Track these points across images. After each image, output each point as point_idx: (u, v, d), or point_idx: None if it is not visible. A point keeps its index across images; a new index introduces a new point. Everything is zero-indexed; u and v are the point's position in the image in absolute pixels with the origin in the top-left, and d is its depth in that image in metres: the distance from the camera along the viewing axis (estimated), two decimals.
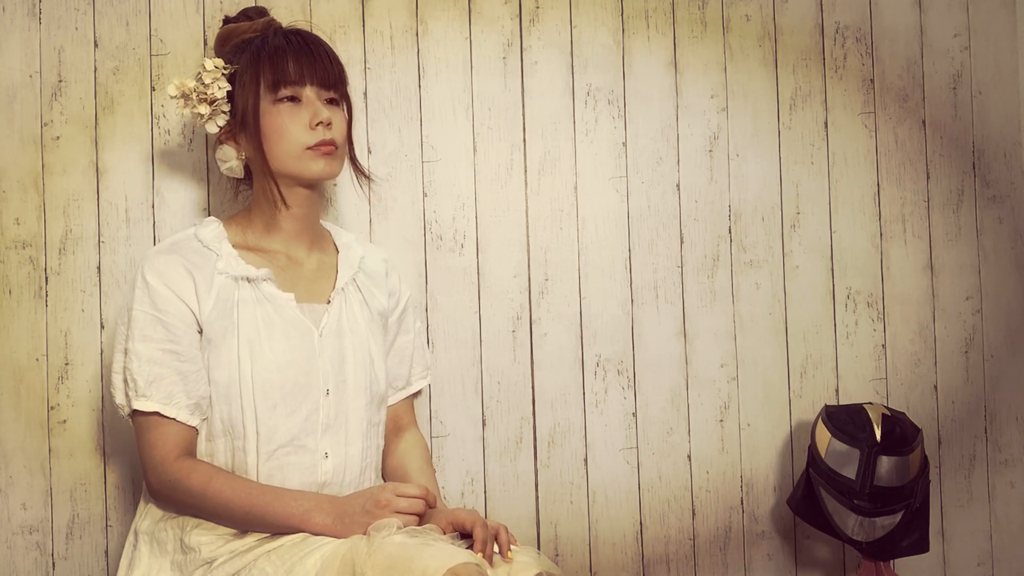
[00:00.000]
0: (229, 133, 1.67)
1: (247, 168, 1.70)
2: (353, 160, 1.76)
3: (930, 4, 2.36)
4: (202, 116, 1.65)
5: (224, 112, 1.65)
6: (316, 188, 1.69)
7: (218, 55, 1.73)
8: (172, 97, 1.66)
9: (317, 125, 1.62)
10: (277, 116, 1.62)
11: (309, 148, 1.62)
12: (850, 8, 2.31)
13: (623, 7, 2.18)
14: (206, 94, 1.64)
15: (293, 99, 1.63)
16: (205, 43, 1.94)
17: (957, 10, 2.38)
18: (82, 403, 1.88)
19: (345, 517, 1.49)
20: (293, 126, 1.62)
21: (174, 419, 1.55)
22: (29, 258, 1.87)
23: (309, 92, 1.63)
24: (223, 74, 1.64)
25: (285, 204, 1.66)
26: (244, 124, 1.64)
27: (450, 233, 2.07)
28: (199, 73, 1.65)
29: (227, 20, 1.78)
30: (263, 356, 1.58)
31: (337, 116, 1.66)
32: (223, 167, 1.70)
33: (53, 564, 1.86)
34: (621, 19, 2.17)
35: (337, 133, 1.64)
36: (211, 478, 1.52)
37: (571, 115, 2.14)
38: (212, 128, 1.66)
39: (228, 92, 1.65)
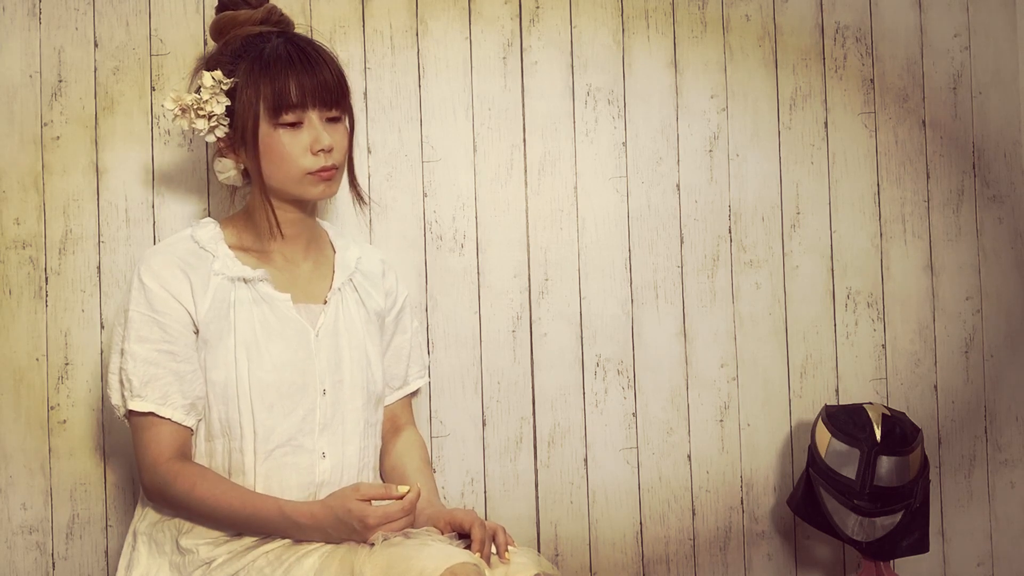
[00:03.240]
0: (229, 146, 1.63)
1: (246, 174, 1.67)
2: (352, 180, 1.72)
3: (930, 4, 2.36)
4: (200, 131, 1.61)
5: (223, 125, 1.61)
6: (311, 202, 1.67)
7: (214, 43, 1.68)
8: (169, 111, 1.61)
9: (319, 151, 1.58)
10: (277, 140, 1.58)
11: (310, 173, 1.59)
12: (850, 8, 2.31)
13: (623, 7, 2.18)
14: (204, 110, 1.59)
15: (295, 124, 1.58)
16: (205, 43, 1.94)
17: (957, 10, 2.38)
18: (82, 403, 1.88)
19: (331, 540, 1.48)
20: (294, 150, 1.58)
21: (169, 419, 1.54)
22: (29, 258, 1.87)
23: (311, 115, 1.58)
24: (222, 89, 1.59)
25: (280, 233, 1.64)
26: (243, 140, 1.60)
27: (450, 233, 2.07)
28: (198, 87, 1.60)
29: (223, 5, 1.69)
30: (260, 357, 1.58)
31: (338, 135, 1.61)
32: (221, 177, 1.68)
33: (53, 564, 1.86)
34: (621, 19, 2.18)
35: (338, 155, 1.61)
36: (195, 484, 1.51)
37: (571, 115, 2.14)
38: (211, 139, 1.63)
39: (227, 106, 1.60)
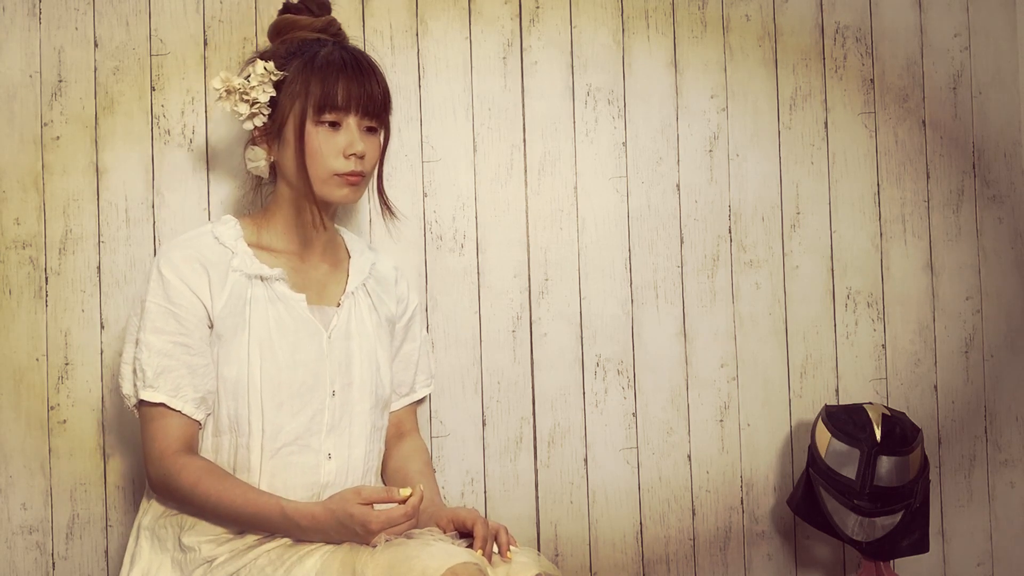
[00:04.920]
0: (263, 135, 1.67)
1: (272, 169, 1.70)
2: (381, 192, 1.76)
3: (930, 4, 2.36)
4: (240, 115, 1.65)
5: (264, 114, 1.65)
6: (332, 206, 1.70)
7: (270, 43, 1.73)
8: (215, 89, 1.65)
9: (351, 156, 1.62)
10: (314, 137, 1.61)
11: (337, 175, 1.62)
12: (850, 8, 2.31)
13: (623, 7, 2.18)
14: (248, 95, 1.63)
15: (333, 124, 1.62)
16: (205, 43, 1.94)
17: (957, 10, 2.38)
18: (82, 403, 1.88)
19: (332, 541, 1.48)
20: (327, 149, 1.61)
21: (179, 412, 1.56)
22: (29, 258, 1.87)
23: (351, 120, 1.62)
24: (271, 79, 1.63)
25: (324, 224, 1.68)
26: (280, 133, 1.64)
27: (450, 233, 2.07)
28: (248, 73, 1.65)
29: (287, 8, 1.76)
30: (272, 355, 1.59)
31: (372, 146, 1.65)
32: (250, 165, 1.71)
33: (53, 564, 1.86)
34: (621, 19, 2.18)
35: (367, 164, 1.65)
36: (199, 479, 1.52)
37: (571, 115, 2.14)
38: (248, 127, 1.66)
39: (271, 97, 1.64)
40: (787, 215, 2.26)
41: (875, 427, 2.05)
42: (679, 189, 2.20)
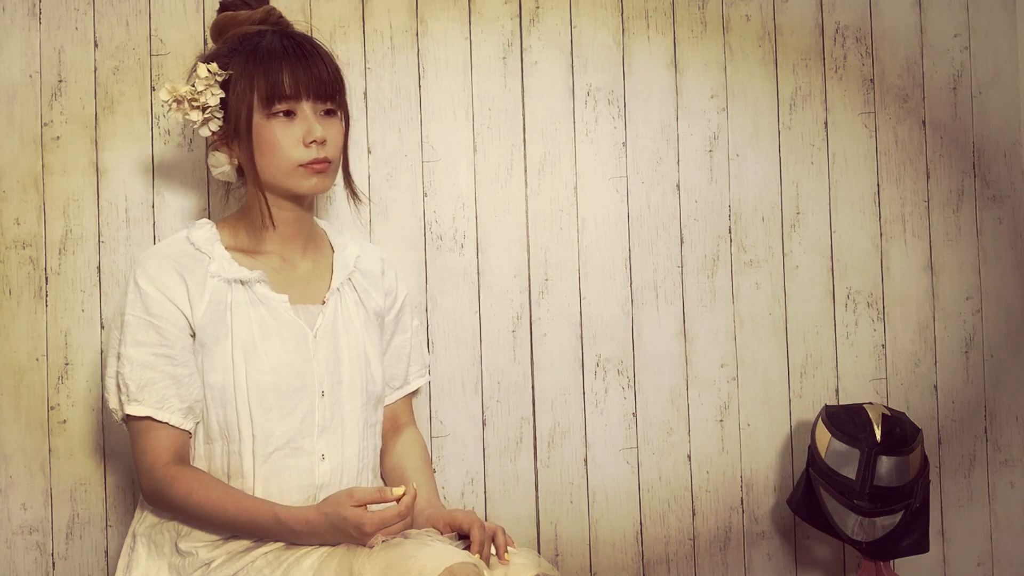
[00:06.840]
0: (222, 139, 1.63)
1: (240, 171, 1.67)
2: (347, 176, 1.72)
3: (930, 4, 2.36)
4: (194, 123, 1.61)
5: (217, 118, 1.61)
6: (306, 199, 1.67)
7: (214, 43, 1.69)
8: (164, 102, 1.62)
9: (311, 143, 1.58)
10: (270, 131, 1.58)
11: (302, 165, 1.58)
12: (850, 8, 2.31)
13: (623, 7, 2.18)
14: (198, 101, 1.60)
15: (288, 113, 1.58)
16: (205, 43, 1.94)
17: (957, 10, 2.38)
18: (82, 403, 1.88)
19: (328, 544, 1.47)
20: (286, 141, 1.57)
21: (166, 423, 1.54)
22: (29, 258, 1.87)
23: (305, 106, 1.58)
24: (216, 81, 1.59)
25: (272, 223, 1.63)
26: (236, 133, 1.60)
27: (450, 233, 2.07)
28: (192, 79, 1.61)
29: (224, 6, 1.71)
30: (257, 359, 1.57)
31: (332, 129, 1.61)
32: (215, 171, 1.68)
33: (53, 564, 1.87)
34: (621, 19, 2.17)
35: (331, 149, 1.61)
36: (192, 489, 1.51)
37: (571, 115, 2.14)
38: (204, 133, 1.63)
39: (221, 99, 1.60)
40: (787, 215, 2.26)
41: (875, 427, 2.05)
42: (679, 189, 2.20)
